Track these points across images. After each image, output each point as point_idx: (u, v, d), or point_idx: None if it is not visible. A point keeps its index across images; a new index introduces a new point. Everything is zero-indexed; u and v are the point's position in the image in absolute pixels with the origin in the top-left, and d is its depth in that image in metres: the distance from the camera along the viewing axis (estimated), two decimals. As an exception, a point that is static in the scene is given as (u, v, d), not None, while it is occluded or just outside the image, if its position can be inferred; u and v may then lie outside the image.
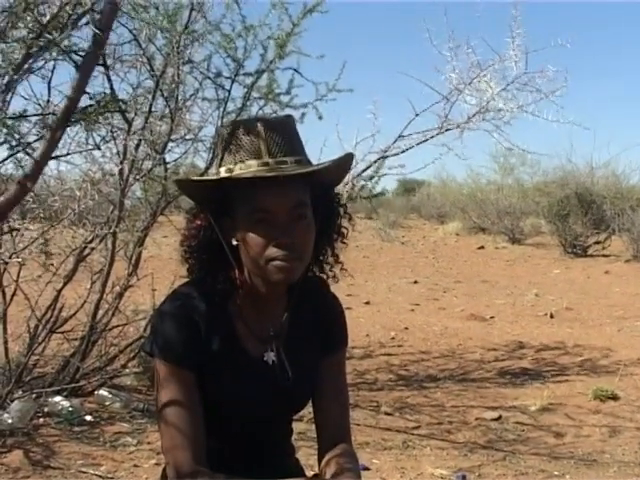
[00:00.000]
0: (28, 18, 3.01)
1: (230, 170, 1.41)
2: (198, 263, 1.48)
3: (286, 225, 1.38)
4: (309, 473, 1.71)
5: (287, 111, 4.18)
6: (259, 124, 1.42)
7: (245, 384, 1.47)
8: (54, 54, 3.40)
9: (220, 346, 1.46)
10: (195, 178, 1.57)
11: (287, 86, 4.20)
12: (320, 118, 4.24)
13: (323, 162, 1.45)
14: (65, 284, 4.12)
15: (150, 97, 3.98)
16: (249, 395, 1.47)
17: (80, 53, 3.30)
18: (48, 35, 3.06)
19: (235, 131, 1.43)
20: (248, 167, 1.39)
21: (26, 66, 3.34)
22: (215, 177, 1.44)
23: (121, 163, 3.93)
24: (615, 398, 4.67)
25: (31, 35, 3.06)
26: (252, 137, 1.41)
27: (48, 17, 2.99)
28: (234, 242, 1.43)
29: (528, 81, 4.71)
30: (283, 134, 1.42)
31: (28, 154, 3.38)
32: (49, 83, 3.75)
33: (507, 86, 4.73)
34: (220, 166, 1.44)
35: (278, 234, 1.37)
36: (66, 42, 3.29)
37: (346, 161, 1.49)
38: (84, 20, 3.32)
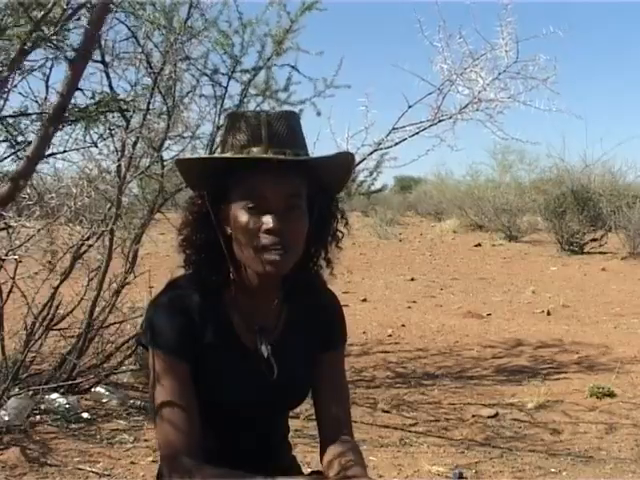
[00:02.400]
0: (22, 13, 3.00)
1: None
2: (194, 253, 1.48)
3: (279, 212, 1.39)
4: (306, 471, 1.71)
5: (285, 108, 4.18)
6: (263, 115, 1.44)
7: (240, 377, 1.47)
8: (50, 52, 3.39)
9: (215, 338, 1.46)
10: (196, 156, 1.59)
11: (285, 83, 4.20)
12: (319, 114, 4.24)
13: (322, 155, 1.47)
14: (62, 281, 4.11)
15: (148, 94, 3.96)
16: (244, 388, 1.47)
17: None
18: (41, 31, 3.05)
19: (239, 120, 1.45)
20: (248, 154, 1.41)
21: (27, 66, 3.34)
22: (214, 156, 1.46)
23: (118, 160, 3.93)
24: (612, 395, 4.68)
25: (24, 31, 3.04)
26: (255, 127, 1.42)
27: (42, 12, 2.97)
28: (229, 231, 1.44)
29: (520, 70, 4.69)
30: (285, 127, 1.43)
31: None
32: (47, 81, 3.75)
33: (499, 75, 4.71)
34: (222, 153, 1.46)
35: (270, 220, 1.38)
36: (61, 39, 3.28)
37: (344, 159, 1.49)
38: (77, 17, 3.31)
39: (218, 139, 3.89)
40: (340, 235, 1.54)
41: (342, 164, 1.50)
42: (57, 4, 2.95)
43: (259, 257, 1.40)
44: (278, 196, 1.39)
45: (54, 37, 3.10)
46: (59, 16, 3.06)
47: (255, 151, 1.40)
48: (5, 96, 3.30)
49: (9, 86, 3.28)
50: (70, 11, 3.12)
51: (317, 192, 1.47)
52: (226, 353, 1.47)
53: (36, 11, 2.96)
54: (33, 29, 2.95)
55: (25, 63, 3.34)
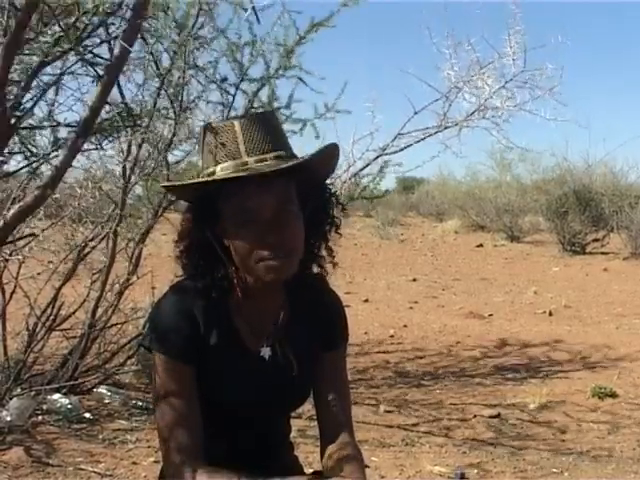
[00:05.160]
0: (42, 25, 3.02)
1: (212, 173, 1.40)
2: (193, 262, 1.47)
3: (272, 224, 1.37)
4: (308, 471, 1.72)
5: (287, 125, 4.12)
6: (237, 122, 1.40)
7: (242, 379, 1.47)
8: (74, 65, 3.41)
9: (218, 341, 1.46)
10: (176, 183, 1.57)
11: (287, 101, 4.15)
12: (317, 137, 4.18)
13: (304, 155, 1.41)
14: (64, 282, 4.12)
15: (155, 97, 3.95)
16: (246, 390, 1.47)
17: (101, 63, 3.31)
18: (65, 45, 3.08)
19: (214, 132, 1.42)
20: (227, 169, 1.38)
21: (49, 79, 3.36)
22: (191, 181, 1.44)
23: (124, 161, 3.93)
24: (614, 395, 4.68)
25: (47, 44, 3.06)
26: (230, 137, 1.39)
27: (64, 26, 3.00)
28: (227, 243, 1.43)
29: (527, 79, 4.71)
30: (262, 130, 1.40)
31: (46, 162, 3.39)
32: (56, 89, 3.74)
33: (505, 84, 4.73)
34: (203, 169, 1.44)
35: (265, 234, 1.37)
36: (85, 52, 3.30)
37: (328, 151, 1.44)
38: (101, 30, 3.33)
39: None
40: (338, 221, 1.51)
41: (327, 155, 1.45)
42: (78, 20, 2.98)
43: (259, 267, 1.39)
44: (267, 206, 1.37)
45: (79, 48, 3.13)
46: (82, 29, 3.08)
47: (233, 165, 1.37)
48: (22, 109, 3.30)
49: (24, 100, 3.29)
50: (92, 26, 3.15)
51: (308, 188, 1.45)
52: (228, 354, 1.47)
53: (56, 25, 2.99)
54: (57, 41, 2.98)
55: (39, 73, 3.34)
